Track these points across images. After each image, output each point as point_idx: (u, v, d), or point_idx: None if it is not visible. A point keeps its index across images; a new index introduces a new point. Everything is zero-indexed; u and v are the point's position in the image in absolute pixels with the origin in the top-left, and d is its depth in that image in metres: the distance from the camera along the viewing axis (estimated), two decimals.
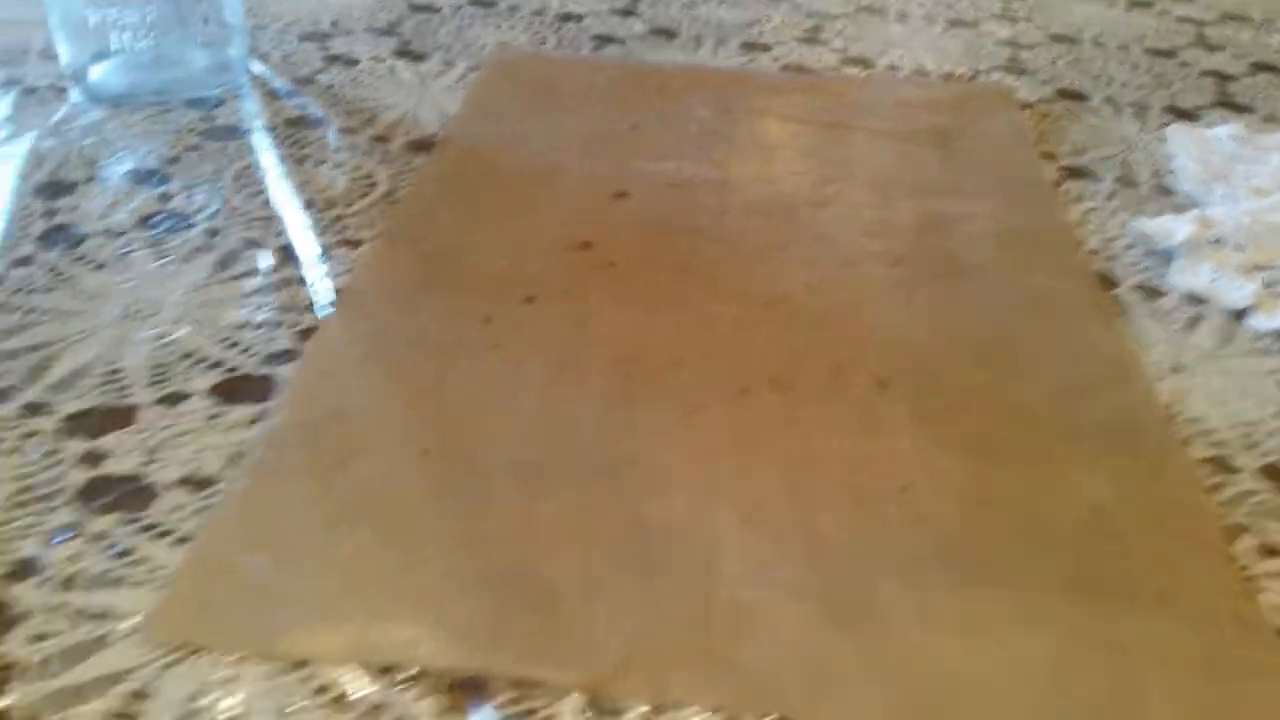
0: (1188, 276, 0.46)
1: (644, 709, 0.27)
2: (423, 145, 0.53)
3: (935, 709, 0.28)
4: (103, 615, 0.28)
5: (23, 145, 0.50)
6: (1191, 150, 0.58)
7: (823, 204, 0.50)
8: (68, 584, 0.29)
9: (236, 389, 0.36)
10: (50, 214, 0.45)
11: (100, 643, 0.28)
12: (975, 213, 0.50)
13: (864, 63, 0.68)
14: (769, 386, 0.38)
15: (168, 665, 0.27)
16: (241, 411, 0.35)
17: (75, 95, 0.55)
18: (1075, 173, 0.56)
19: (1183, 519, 0.34)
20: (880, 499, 0.34)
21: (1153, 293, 0.46)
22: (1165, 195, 0.54)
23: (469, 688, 0.27)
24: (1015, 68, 0.69)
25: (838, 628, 0.29)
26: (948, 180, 0.53)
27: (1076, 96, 0.65)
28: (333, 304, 0.40)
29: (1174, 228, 0.48)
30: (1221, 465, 0.37)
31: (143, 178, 0.48)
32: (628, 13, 0.72)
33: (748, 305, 0.43)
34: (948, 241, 0.48)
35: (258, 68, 0.59)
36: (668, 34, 0.69)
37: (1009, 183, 0.54)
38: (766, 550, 0.31)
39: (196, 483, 0.32)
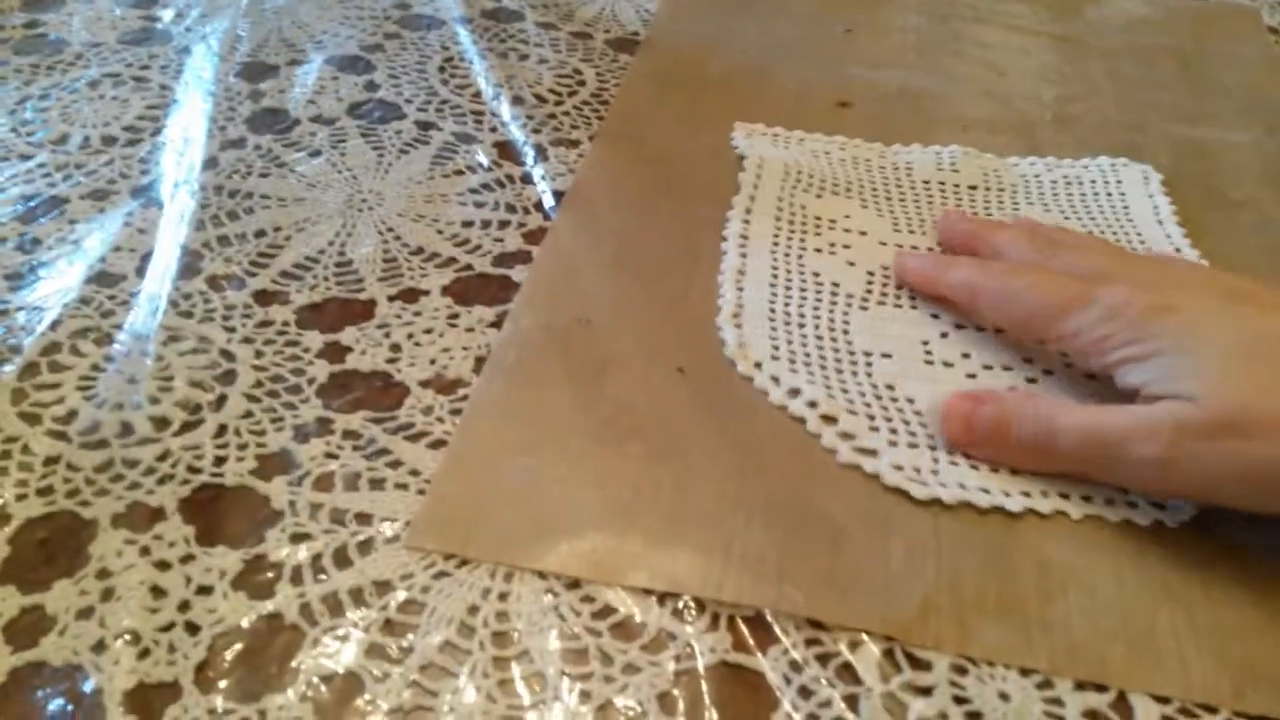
0: None
1: (948, 661, 0.25)
2: (625, 43, 0.50)
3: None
4: (364, 518, 0.27)
5: (218, 25, 0.48)
6: None
7: (1066, 123, 0.46)
8: (322, 483, 0.28)
9: (471, 289, 0.34)
10: (256, 96, 0.43)
11: (366, 548, 0.26)
12: (1234, 142, 0.46)
13: None
14: None
15: (438, 576, 0.25)
16: (480, 312, 0.33)
17: None
18: None
19: None
20: None
21: None
22: None
23: (755, 624, 0.25)
24: None
25: (1165, 593, 0.26)
26: (1201, 106, 0.48)
27: None
28: (559, 205, 0.38)
29: None
30: None
31: (346, 64, 0.46)
32: None
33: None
34: (1210, 174, 0.43)
35: None
36: None
37: (1267, 111, 0.48)
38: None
39: (445, 384, 0.30)
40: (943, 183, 0.42)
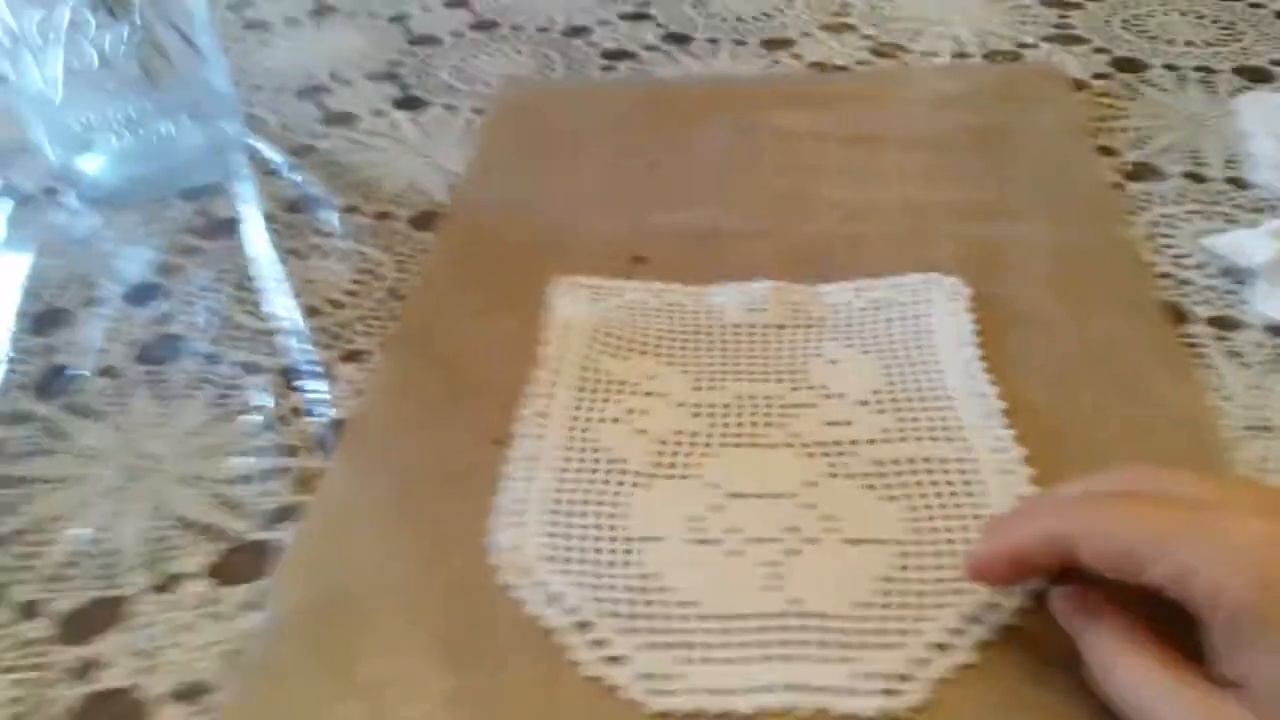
0: (1271, 302, 0.41)
1: None
2: (427, 219, 0.50)
3: None
4: None
5: (20, 261, 0.48)
6: (1267, 125, 0.52)
7: (860, 244, 0.46)
8: None
9: (235, 565, 0.34)
10: (48, 352, 0.43)
11: None
12: (1026, 239, 0.46)
13: (897, 49, 0.62)
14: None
15: None
16: (241, 594, 0.33)
17: (69, 198, 0.53)
18: (1138, 171, 0.50)
19: None
20: None
21: (1230, 325, 0.41)
22: (1240, 189, 0.49)
23: None
24: (1065, 35, 0.63)
25: None
26: (996, 197, 0.49)
27: (1135, 66, 0.59)
28: (337, 441, 0.38)
29: (1251, 245, 0.43)
30: None
31: (140, 297, 0.46)
32: (639, 16, 0.68)
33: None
34: (998, 284, 0.43)
35: (254, 142, 0.57)
36: (681, 40, 0.65)
37: (1064, 193, 0.49)
38: None
39: (195, 693, 0.30)
40: (752, 325, 0.42)
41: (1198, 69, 0.58)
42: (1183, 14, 0.64)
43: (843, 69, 0.61)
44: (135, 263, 0.48)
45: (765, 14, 0.67)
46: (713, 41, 0.64)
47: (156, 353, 0.43)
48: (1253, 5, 0.65)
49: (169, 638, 0.32)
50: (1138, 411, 0.37)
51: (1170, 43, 0.61)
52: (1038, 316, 0.42)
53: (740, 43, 0.64)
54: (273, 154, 0.55)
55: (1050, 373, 0.39)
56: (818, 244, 0.46)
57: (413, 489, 0.36)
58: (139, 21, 0.48)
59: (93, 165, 0.53)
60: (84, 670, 0.31)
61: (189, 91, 0.53)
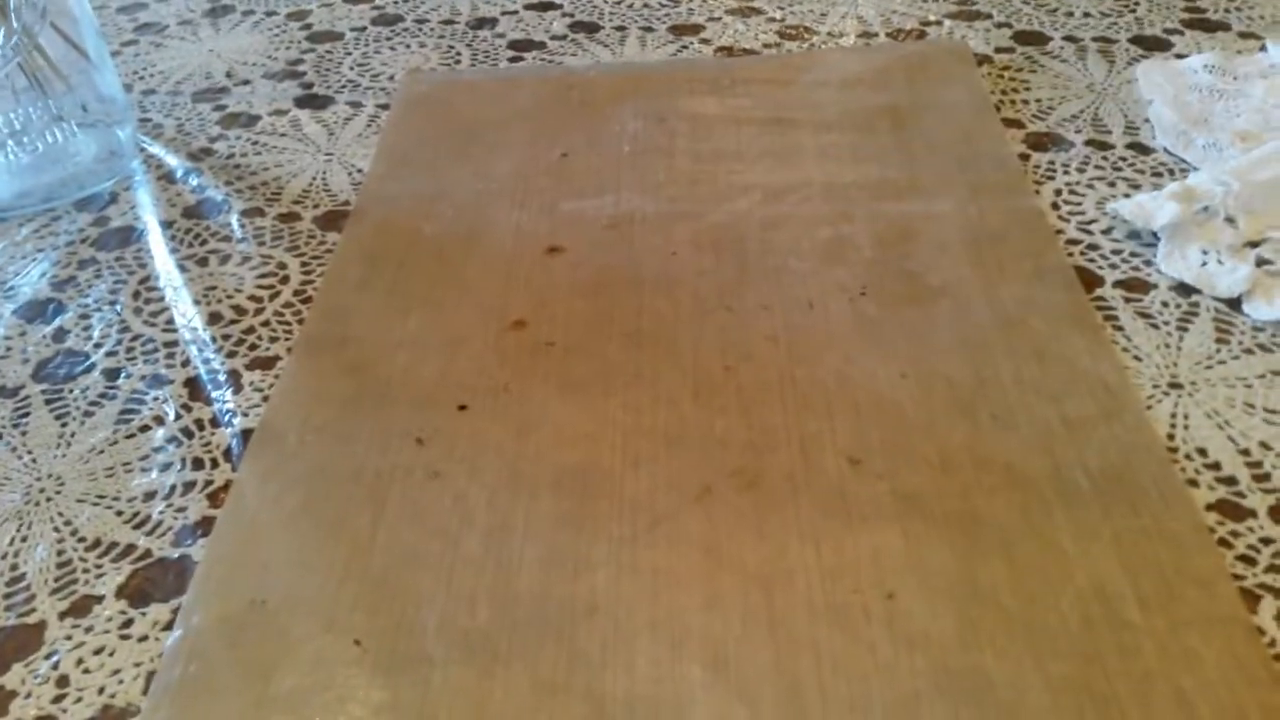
0: (1175, 263, 0.42)
1: None
2: (334, 219, 0.49)
3: None
4: None
5: None
6: (1165, 91, 0.53)
7: (775, 225, 0.46)
8: None
9: (149, 582, 0.33)
10: None
11: None
12: (938, 213, 0.46)
13: (805, 32, 0.63)
14: (733, 483, 0.35)
15: None
16: (155, 613, 0.32)
17: None
18: (1042, 141, 0.51)
19: (1197, 589, 0.31)
20: (865, 617, 0.30)
21: (1139, 287, 0.42)
22: (1142, 155, 0.50)
23: None
24: (967, 11, 0.64)
25: None
26: (907, 175, 0.49)
27: (1036, 39, 0.60)
28: (246, 450, 0.37)
29: (1155, 209, 0.44)
30: (1232, 510, 0.33)
31: (36, 311, 0.44)
32: (545, 6, 0.67)
33: (706, 372, 0.39)
34: (911, 260, 0.44)
35: (150, 146, 0.55)
36: (589, 28, 0.64)
37: (973, 167, 0.49)
38: (741, 716, 0.28)
39: (113, 718, 0.29)
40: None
41: (1096, 39, 0.60)
42: None
43: (751, 52, 0.61)
44: (28, 276, 0.46)
45: (673, 1, 0.67)
46: (620, 29, 0.64)
47: (54, 370, 0.41)
48: None
49: (85, 663, 0.30)
50: (1052, 376, 0.38)
51: (1070, 15, 0.62)
52: (951, 289, 0.42)
53: (648, 29, 0.64)
54: (169, 158, 0.54)
55: (965, 343, 0.39)
56: (735, 226, 0.46)
57: (325, 494, 0.35)
58: (17, 26, 0.46)
59: None
60: None
61: (78, 97, 0.51)
